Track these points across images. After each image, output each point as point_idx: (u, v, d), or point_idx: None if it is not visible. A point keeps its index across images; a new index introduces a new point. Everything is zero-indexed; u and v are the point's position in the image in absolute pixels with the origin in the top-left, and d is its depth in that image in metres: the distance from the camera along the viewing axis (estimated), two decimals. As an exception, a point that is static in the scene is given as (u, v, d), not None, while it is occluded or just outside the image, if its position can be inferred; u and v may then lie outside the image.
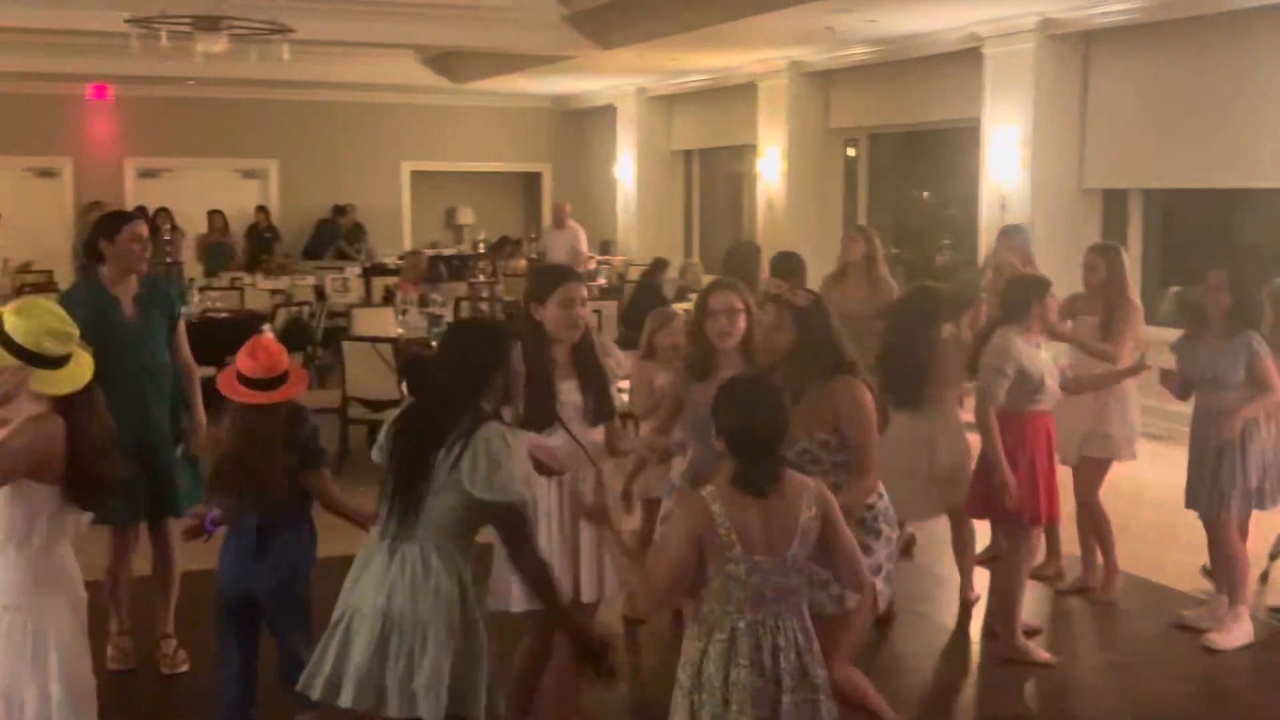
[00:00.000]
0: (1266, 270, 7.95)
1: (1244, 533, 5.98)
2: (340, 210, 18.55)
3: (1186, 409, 6.09)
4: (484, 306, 10.01)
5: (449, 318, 10.00)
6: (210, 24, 9.83)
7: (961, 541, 6.29)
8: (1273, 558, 6.64)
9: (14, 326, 3.40)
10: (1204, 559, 6.35)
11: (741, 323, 4.34)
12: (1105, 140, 11.13)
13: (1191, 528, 6.28)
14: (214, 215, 17.40)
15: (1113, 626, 6.23)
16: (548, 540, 4.12)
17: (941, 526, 6.58)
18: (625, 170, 18.51)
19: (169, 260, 13.35)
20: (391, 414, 3.72)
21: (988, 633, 5.92)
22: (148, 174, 18.63)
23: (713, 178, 18.59)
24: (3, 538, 3.45)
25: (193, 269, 15.81)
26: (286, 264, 16.58)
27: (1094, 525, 6.43)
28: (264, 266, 16.15)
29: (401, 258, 14.32)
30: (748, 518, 3.26)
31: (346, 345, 9.21)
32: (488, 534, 4.01)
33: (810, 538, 3.32)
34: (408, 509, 3.49)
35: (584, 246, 15.14)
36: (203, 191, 18.12)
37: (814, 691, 3.34)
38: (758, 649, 3.27)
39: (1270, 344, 5.80)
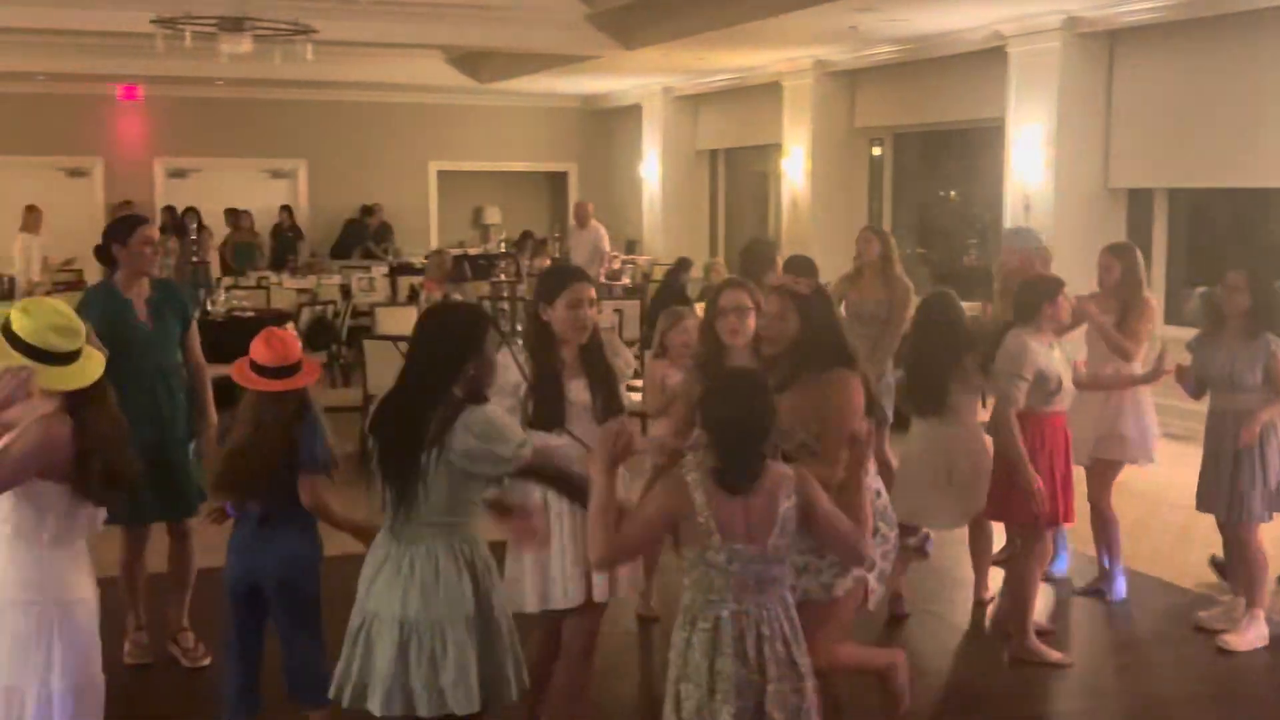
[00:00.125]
0: (1292, 270, 7.89)
1: None
2: (368, 210, 18.65)
3: (1206, 409, 6.05)
4: (505, 306, 10.04)
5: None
6: (234, 25, 9.91)
7: (979, 543, 6.28)
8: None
9: (20, 325, 3.44)
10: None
11: (752, 321, 4.35)
12: (1130, 139, 11.07)
13: (1210, 529, 6.25)
14: (242, 215, 17.52)
15: (1127, 627, 6.20)
16: (559, 540, 4.14)
17: (959, 529, 6.56)
18: (650, 170, 18.53)
19: (195, 260, 13.48)
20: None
21: (1001, 633, 5.90)
22: (177, 174, 18.79)
23: (738, 177, 18.58)
24: (11, 534, 3.49)
25: (219, 268, 15.96)
26: (313, 263, 16.70)
27: (1100, 526, 6.40)
28: (289, 266, 16.24)
29: (427, 257, 14.40)
30: (727, 507, 3.27)
31: (368, 344, 9.27)
32: (501, 531, 4.06)
33: (790, 527, 3.32)
34: (405, 507, 3.53)
35: (606, 246, 15.16)
36: (231, 191, 18.27)
37: (799, 680, 3.34)
38: (741, 638, 3.28)
39: None
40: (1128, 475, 6.55)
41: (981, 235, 14.20)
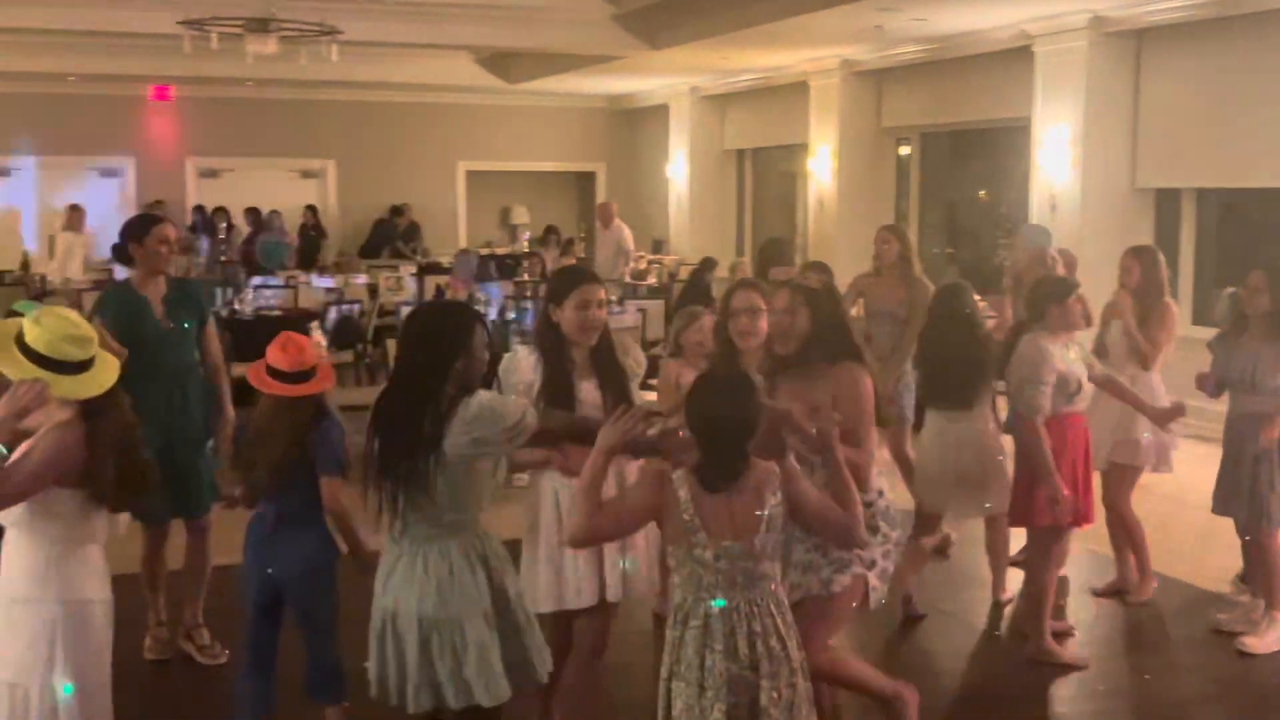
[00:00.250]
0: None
1: None
2: (397, 210, 18.73)
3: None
4: (528, 305, 10.07)
5: (494, 316, 10.08)
6: (260, 26, 9.98)
7: (995, 543, 6.26)
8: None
9: (33, 336, 3.47)
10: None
11: (764, 322, 4.33)
12: (1158, 139, 11.00)
13: (1231, 531, 6.19)
14: (272, 214, 17.62)
15: (1146, 629, 6.17)
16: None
17: (978, 527, 6.55)
18: (678, 169, 18.54)
19: (224, 259, 13.57)
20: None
21: (1018, 634, 5.88)
22: (208, 174, 18.93)
23: (765, 177, 18.57)
24: (22, 535, 3.52)
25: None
26: (342, 262, 16.78)
27: (1125, 531, 6.36)
28: (316, 265, 16.34)
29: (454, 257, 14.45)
30: (711, 504, 3.28)
31: (392, 343, 9.31)
32: (515, 531, 4.09)
33: (777, 524, 3.33)
34: (413, 508, 3.58)
35: (630, 245, 15.16)
36: (262, 191, 18.39)
37: (792, 675, 3.34)
38: (732, 635, 3.29)
39: None
40: (1148, 477, 6.50)
41: (1010, 235, 14.13)
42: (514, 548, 4.00)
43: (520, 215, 20.30)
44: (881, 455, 7.19)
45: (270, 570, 4.42)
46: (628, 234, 15.19)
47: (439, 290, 13.19)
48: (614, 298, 11.93)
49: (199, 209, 17.75)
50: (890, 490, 4.42)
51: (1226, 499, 5.83)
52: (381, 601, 3.68)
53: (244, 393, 4.52)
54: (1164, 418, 5.92)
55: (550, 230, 17.09)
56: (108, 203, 17.74)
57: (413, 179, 19.23)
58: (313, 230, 18.14)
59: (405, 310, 11.45)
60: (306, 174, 19.49)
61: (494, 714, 3.66)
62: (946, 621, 6.14)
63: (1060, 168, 11.33)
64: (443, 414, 3.51)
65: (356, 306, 12.22)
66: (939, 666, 5.77)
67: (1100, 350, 6.41)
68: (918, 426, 6.82)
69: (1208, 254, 11.22)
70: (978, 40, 12.44)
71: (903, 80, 14.38)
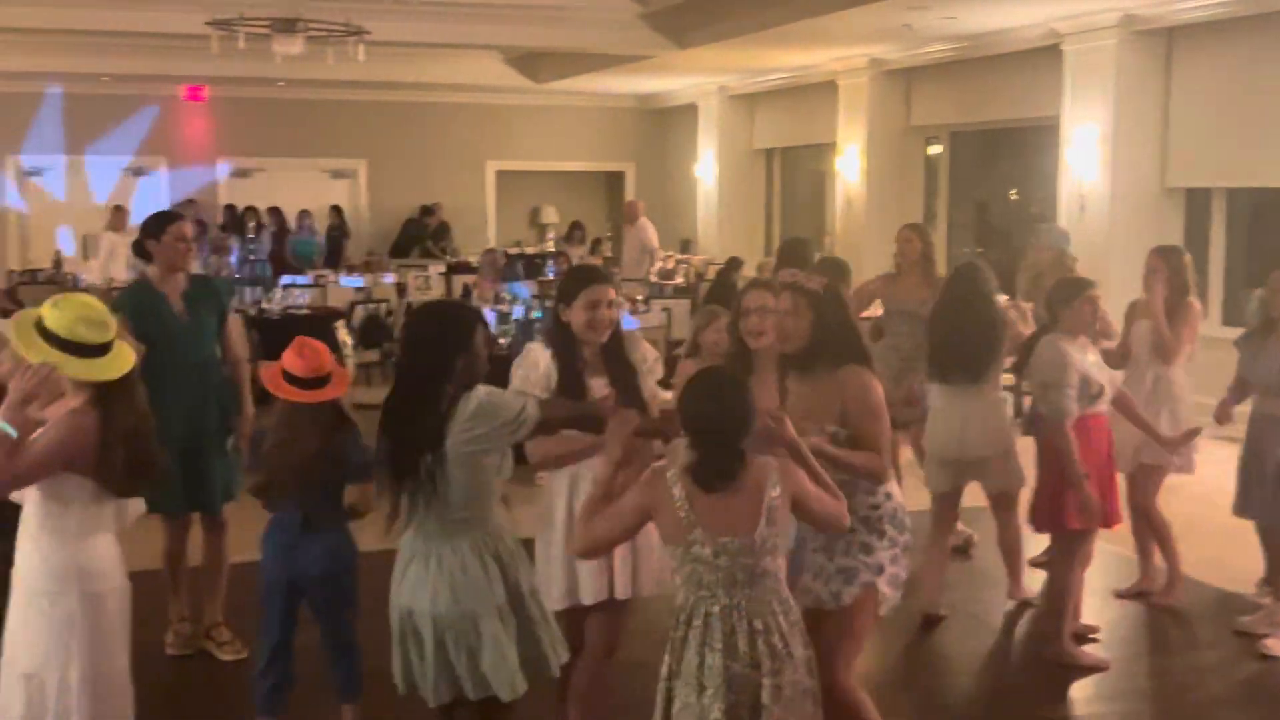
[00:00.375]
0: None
1: None
2: (427, 209, 18.80)
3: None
4: (551, 304, 10.08)
5: (519, 315, 10.10)
6: (287, 26, 10.04)
7: (1007, 540, 6.22)
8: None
9: (51, 319, 3.53)
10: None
11: (774, 322, 4.31)
12: (1188, 138, 10.92)
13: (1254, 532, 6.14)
14: (302, 214, 17.72)
15: (1168, 630, 6.13)
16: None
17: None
18: (706, 169, 18.53)
19: (252, 258, 13.66)
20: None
21: (1038, 635, 5.85)
22: (240, 174, 19.04)
23: (793, 176, 18.53)
24: (36, 526, 3.57)
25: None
26: (371, 262, 16.85)
27: (1155, 533, 6.31)
28: (343, 264, 16.42)
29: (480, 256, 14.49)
30: (707, 501, 3.28)
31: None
32: (529, 529, 4.09)
33: (778, 517, 3.32)
34: (424, 507, 3.60)
35: (654, 243, 15.16)
36: (293, 191, 18.50)
37: (795, 672, 3.33)
38: (732, 633, 3.27)
39: None
40: (1174, 478, 6.44)
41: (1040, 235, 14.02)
42: (528, 546, 4.00)
43: (549, 215, 20.34)
44: (905, 454, 7.19)
45: (297, 573, 4.46)
46: (652, 232, 15.19)
47: (466, 289, 13.24)
48: (639, 297, 11.93)
49: (229, 209, 17.86)
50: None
51: (1247, 501, 5.78)
52: (397, 600, 3.72)
53: (266, 390, 4.56)
54: (1175, 445, 5.90)
55: (575, 227, 17.12)
56: (141, 203, 17.89)
57: (443, 179, 19.30)
58: (335, 230, 18.23)
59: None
60: (338, 174, 19.59)
61: (510, 707, 3.69)
62: (968, 623, 6.10)
63: (1089, 167, 11.26)
64: (443, 412, 3.53)
65: (383, 305, 12.28)
66: (959, 667, 5.74)
67: (1123, 351, 6.36)
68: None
69: (1238, 254, 11.12)
70: (1007, 39, 12.37)
71: (932, 79, 14.32)
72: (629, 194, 20.01)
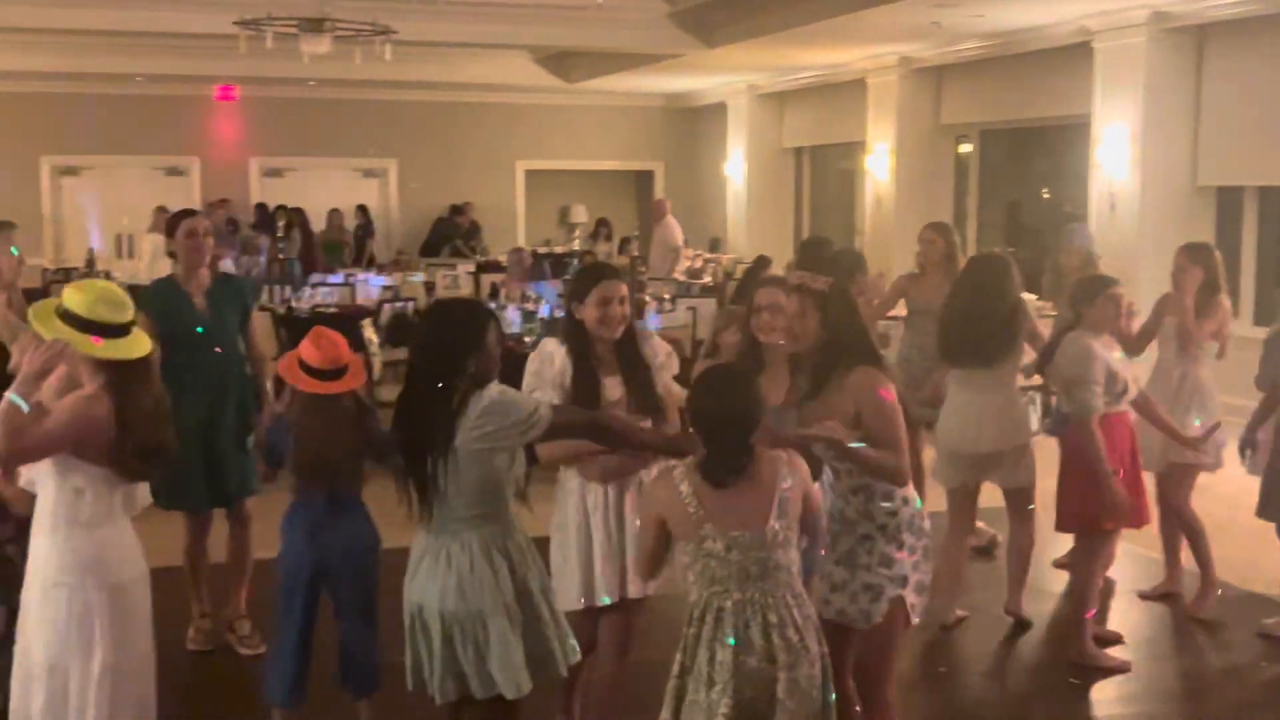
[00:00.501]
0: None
1: None
2: (456, 209, 18.85)
3: None
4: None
5: (546, 313, 10.11)
6: (315, 26, 10.09)
7: (1018, 549, 6.03)
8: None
9: (72, 300, 3.59)
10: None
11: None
12: (1219, 136, 10.81)
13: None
14: (333, 213, 17.81)
15: (1192, 632, 6.07)
16: (599, 535, 4.17)
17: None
18: (735, 168, 18.50)
19: (281, 256, 13.74)
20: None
21: (1060, 637, 5.81)
22: (272, 173, 19.16)
23: (823, 175, 18.47)
24: (50, 518, 3.61)
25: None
26: (401, 260, 16.92)
27: (1188, 537, 6.23)
28: (370, 263, 16.50)
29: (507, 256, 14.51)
30: (719, 496, 3.28)
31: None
32: (542, 528, 4.09)
33: (789, 510, 3.32)
34: (434, 503, 3.60)
35: (678, 241, 15.14)
36: (324, 190, 18.59)
37: (811, 666, 3.32)
38: (746, 627, 3.27)
39: None
40: (1204, 478, 6.37)
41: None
42: (542, 545, 4.00)
43: (579, 214, 20.36)
44: (929, 454, 7.14)
45: (323, 556, 4.48)
46: (676, 231, 15.18)
47: (494, 288, 13.28)
48: (666, 296, 11.92)
49: (260, 208, 17.97)
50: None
51: (1269, 503, 5.72)
52: (409, 596, 3.73)
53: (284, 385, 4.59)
54: (1195, 443, 5.83)
55: (601, 224, 17.12)
56: (173, 202, 17.97)
57: (472, 178, 19.34)
58: (361, 230, 18.31)
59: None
60: (368, 173, 19.67)
61: (517, 706, 3.68)
62: (991, 624, 6.04)
63: (1120, 165, 11.17)
64: (454, 409, 3.53)
65: (410, 304, 12.31)
66: (980, 668, 5.71)
67: (1142, 338, 6.32)
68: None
69: (1270, 253, 11.01)
70: (1037, 36, 12.29)
71: (962, 77, 14.25)
72: (658, 193, 20.01)
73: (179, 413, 5.40)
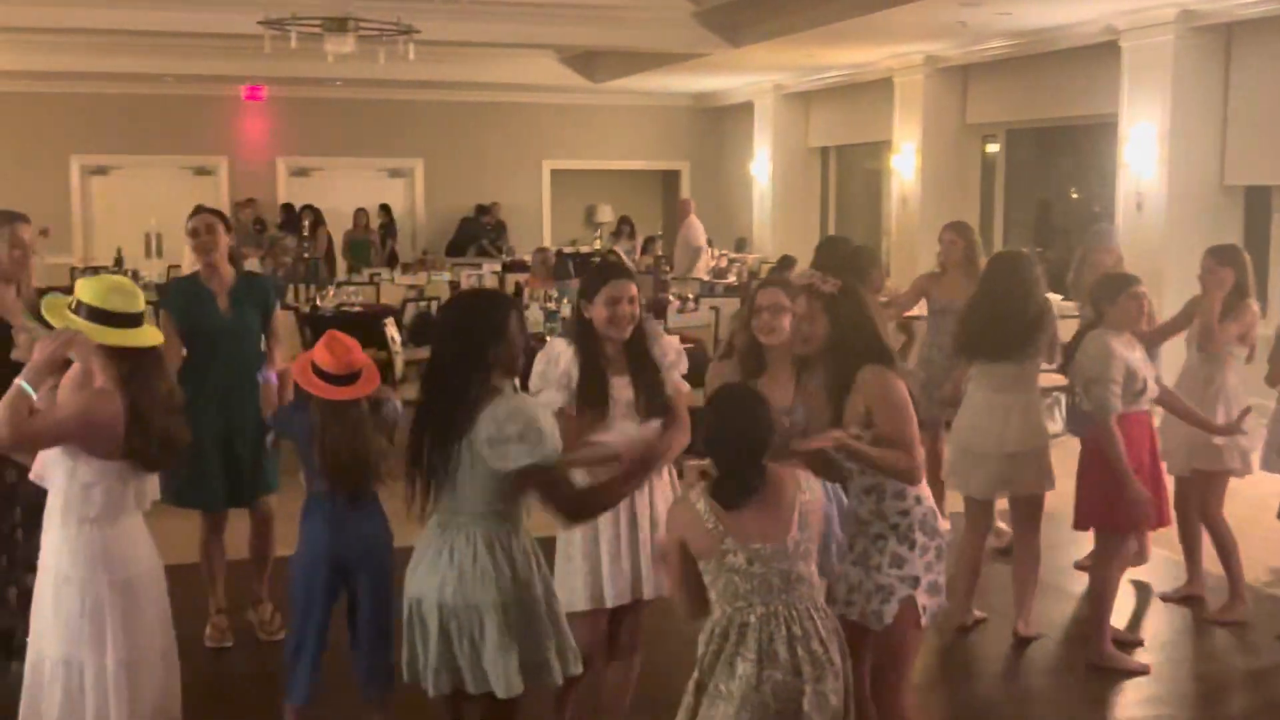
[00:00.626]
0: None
1: None
2: (483, 208, 18.89)
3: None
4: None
5: (567, 313, 10.12)
6: (339, 25, 10.12)
7: (1024, 564, 5.90)
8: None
9: (84, 291, 3.64)
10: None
11: (786, 320, 4.21)
12: (1247, 135, 10.72)
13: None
14: (358, 213, 17.88)
15: (1214, 635, 6.01)
16: (609, 536, 4.16)
17: (1044, 530, 6.40)
18: (761, 167, 18.47)
19: (306, 255, 13.80)
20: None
21: (1079, 638, 5.77)
22: (299, 173, 19.25)
23: (849, 174, 18.42)
24: (62, 513, 3.63)
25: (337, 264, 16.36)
26: (426, 260, 16.97)
27: (1219, 551, 6.13)
28: (383, 260, 16.57)
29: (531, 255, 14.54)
30: (738, 510, 3.26)
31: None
32: (550, 529, 4.08)
33: (810, 521, 3.30)
34: (443, 494, 3.58)
35: (699, 241, 15.11)
36: (351, 190, 18.66)
37: (835, 680, 3.30)
38: (771, 641, 3.24)
39: None
40: (1233, 481, 6.29)
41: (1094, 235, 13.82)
42: (549, 546, 3.99)
43: (605, 214, 20.38)
44: (949, 454, 7.09)
45: (344, 550, 4.47)
46: (698, 231, 15.16)
47: (518, 287, 13.30)
48: (690, 295, 11.92)
49: (286, 207, 18.06)
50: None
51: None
52: (408, 588, 3.70)
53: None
54: (1228, 432, 5.79)
55: (623, 222, 17.11)
56: (201, 201, 18.05)
57: (498, 178, 19.38)
58: (383, 230, 18.37)
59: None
60: (395, 173, 19.74)
61: (515, 706, 3.65)
62: (1009, 625, 5.97)
63: (1147, 165, 11.09)
64: (472, 401, 3.49)
65: (434, 303, 12.34)
66: (997, 670, 5.68)
67: (1161, 333, 6.26)
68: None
69: (1299, 253, 10.92)
70: (1064, 35, 12.21)
71: (988, 76, 14.19)
72: (684, 193, 20.00)
73: (199, 409, 5.48)
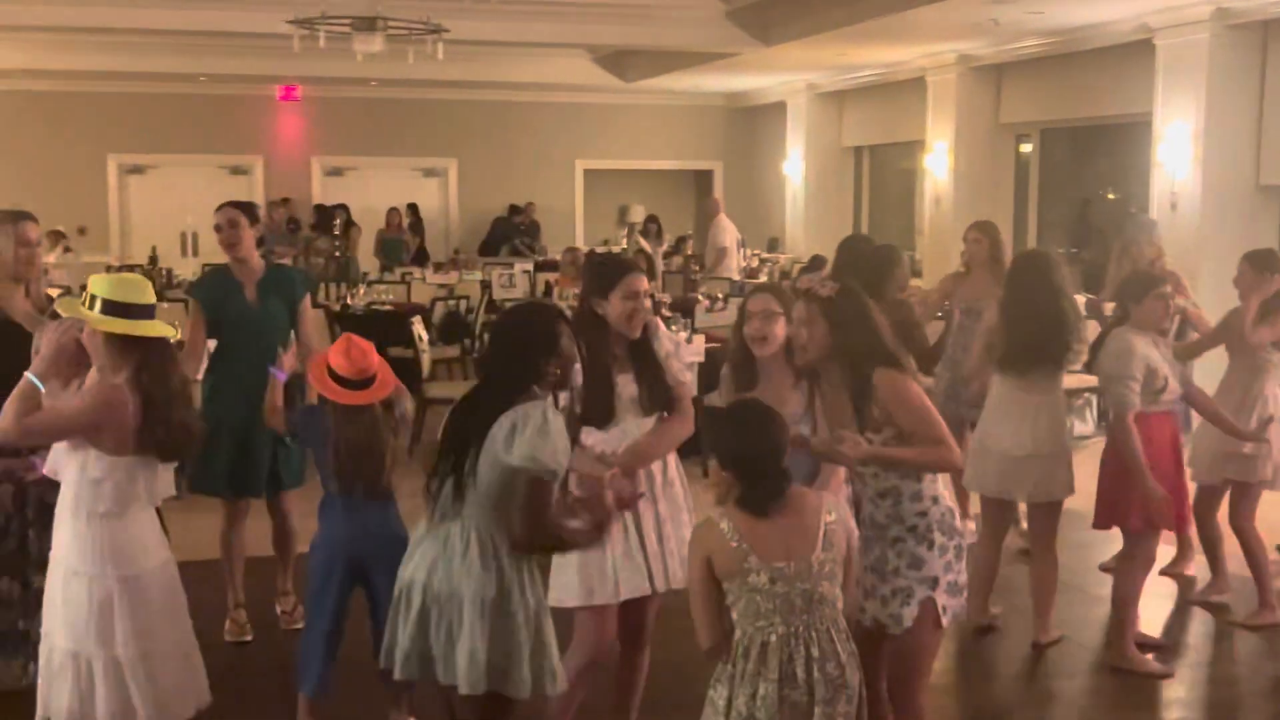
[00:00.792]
0: None
1: None
2: (515, 209, 18.93)
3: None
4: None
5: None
6: (368, 25, 10.16)
7: (1040, 573, 5.79)
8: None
9: (96, 286, 3.67)
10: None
11: (779, 327, 4.12)
12: (1283, 134, 10.59)
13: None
14: (391, 212, 17.96)
15: (1238, 640, 5.94)
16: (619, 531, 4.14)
17: (1069, 531, 6.35)
18: (794, 167, 18.41)
19: (337, 254, 13.87)
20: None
21: (1102, 640, 5.72)
22: (333, 172, 19.35)
23: (882, 174, 18.34)
24: (73, 507, 3.66)
25: (370, 263, 16.42)
26: (459, 259, 17.03)
27: (1249, 560, 6.06)
28: (425, 261, 16.63)
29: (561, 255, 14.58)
30: (762, 529, 3.25)
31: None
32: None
33: (835, 542, 3.29)
34: (454, 488, 3.56)
35: (725, 241, 15.07)
36: (385, 190, 18.74)
37: (849, 703, 3.29)
38: (790, 660, 3.23)
39: None
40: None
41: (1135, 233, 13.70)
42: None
43: (637, 214, 20.36)
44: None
45: (361, 543, 4.50)
46: (726, 231, 15.12)
47: (548, 286, 13.33)
48: (719, 295, 11.90)
49: (319, 208, 18.15)
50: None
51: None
52: (401, 573, 3.68)
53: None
54: (1251, 436, 5.74)
55: (650, 220, 17.10)
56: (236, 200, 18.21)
57: (531, 178, 19.42)
58: (410, 228, 18.44)
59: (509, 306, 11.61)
60: (429, 173, 19.82)
61: (511, 705, 3.60)
62: (1029, 625, 5.91)
63: (1182, 164, 10.97)
64: (510, 405, 3.48)
65: (464, 302, 12.39)
66: (1016, 671, 5.63)
67: (1201, 343, 6.21)
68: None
69: (1336, 254, 10.76)
70: (1097, 34, 12.11)
71: (1022, 75, 14.08)
72: (717, 193, 19.98)
73: (222, 396, 5.53)
